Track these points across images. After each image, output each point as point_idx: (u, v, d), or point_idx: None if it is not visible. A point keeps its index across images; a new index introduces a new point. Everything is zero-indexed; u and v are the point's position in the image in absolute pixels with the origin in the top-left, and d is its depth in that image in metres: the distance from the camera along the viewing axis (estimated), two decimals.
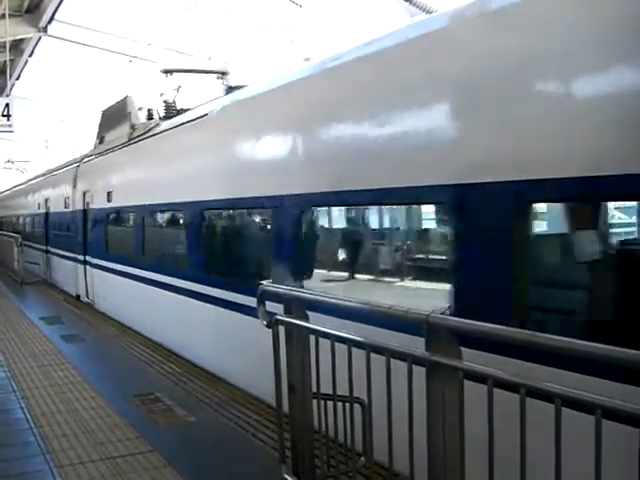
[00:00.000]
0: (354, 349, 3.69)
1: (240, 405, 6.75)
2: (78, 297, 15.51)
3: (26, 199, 23.97)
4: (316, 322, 4.15)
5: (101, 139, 15.37)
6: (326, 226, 6.72)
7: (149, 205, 10.64)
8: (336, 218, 6.68)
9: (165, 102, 12.59)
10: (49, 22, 18.35)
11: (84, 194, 15.07)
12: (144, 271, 10.73)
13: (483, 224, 4.22)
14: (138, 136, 12.12)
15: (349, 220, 6.67)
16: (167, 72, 12.58)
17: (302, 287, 5.82)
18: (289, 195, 6.42)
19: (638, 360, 2.27)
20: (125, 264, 11.82)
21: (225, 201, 7.93)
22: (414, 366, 3.20)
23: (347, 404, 4.00)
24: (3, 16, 16.44)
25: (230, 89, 10.15)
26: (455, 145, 4.49)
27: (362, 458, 4.15)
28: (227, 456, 5.40)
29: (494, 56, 4.29)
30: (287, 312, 4.28)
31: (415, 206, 5.38)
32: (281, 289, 4.46)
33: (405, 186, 4.89)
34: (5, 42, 16.86)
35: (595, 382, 3.09)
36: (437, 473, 3.11)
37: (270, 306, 4.43)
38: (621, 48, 3.49)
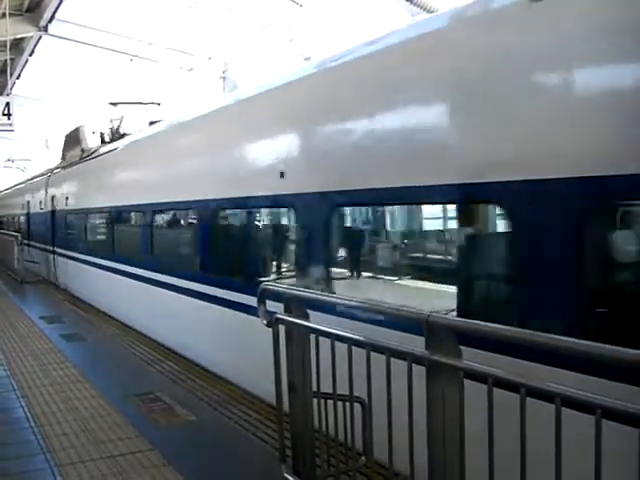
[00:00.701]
0: (354, 348, 3.69)
1: (240, 404, 6.76)
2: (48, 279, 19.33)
3: (13, 201, 27.61)
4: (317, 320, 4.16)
5: (64, 157, 19.45)
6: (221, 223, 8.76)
7: (87, 208, 15.06)
8: (225, 217, 8.80)
9: (110, 129, 16.66)
10: (49, 21, 18.36)
11: (52, 198, 18.79)
12: (88, 256, 14.79)
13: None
14: (85, 157, 16.23)
15: (235, 218, 8.71)
16: (113, 104, 16.81)
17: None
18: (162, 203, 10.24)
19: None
20: (75, 251, 16.01)
21: (127, 206, 12.27)
22: (414, 365, 3.20)
23: (347, 403, 4.00)
24: (4, 15, 16.44)
25: (151, 123, 13.37)
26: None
27: (362, 457, 4.15)
28: (227, 455, 5.40)
29: None
30: (287, 311, 4.28)
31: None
32: (281, 288, 4.47)
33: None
34: (6, 41, 16.87)
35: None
36: (437, 472, 3.11)
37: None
38: None
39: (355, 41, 6.20)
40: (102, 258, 13.51)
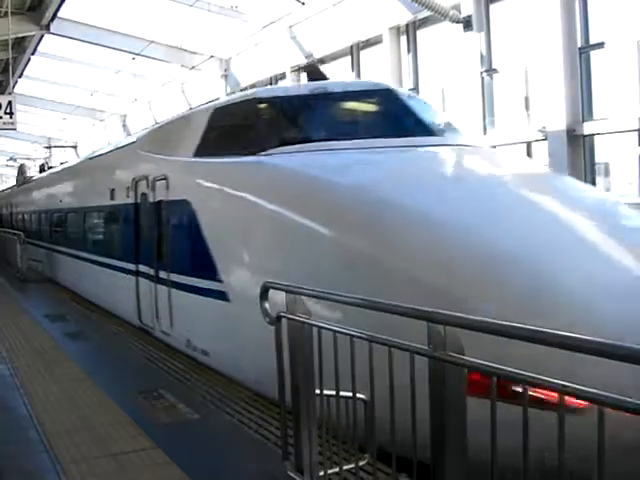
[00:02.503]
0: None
1: (244, 402, 6.75)
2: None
3: None
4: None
5: (17, 180, 29.77)
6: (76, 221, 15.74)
7: (24, 211, 24.25)
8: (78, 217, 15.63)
9: (41, 165, 28.75)
10: (51, 20, 18.35)
11: (10, 205, 28.62)
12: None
13: None
14: (22, 184, 26.58)
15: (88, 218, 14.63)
16: (47, 147, 33.32)
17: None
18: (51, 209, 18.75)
19: None
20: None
21: (43, 210, 20.09)
22: (416, 363, 3.19)
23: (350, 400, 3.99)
24: (6, 14, 16.45)
25: (49, 168, 25.17)
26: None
27: (366, 455, 4.15)
28: (230, 453, 5.40)
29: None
30: (290, 308, 4.28)
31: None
32: (284, 285, 4.46)
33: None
34: (8, 40, 16.88)
35: None
36: (440, 467, 3.11)
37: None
38: None
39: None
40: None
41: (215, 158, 7.94)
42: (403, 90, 9.44)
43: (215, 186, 7.90)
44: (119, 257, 11.14)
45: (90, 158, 16.06)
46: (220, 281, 7.26)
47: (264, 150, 7.18)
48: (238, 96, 9.35)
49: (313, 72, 10.06)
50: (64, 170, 18.98)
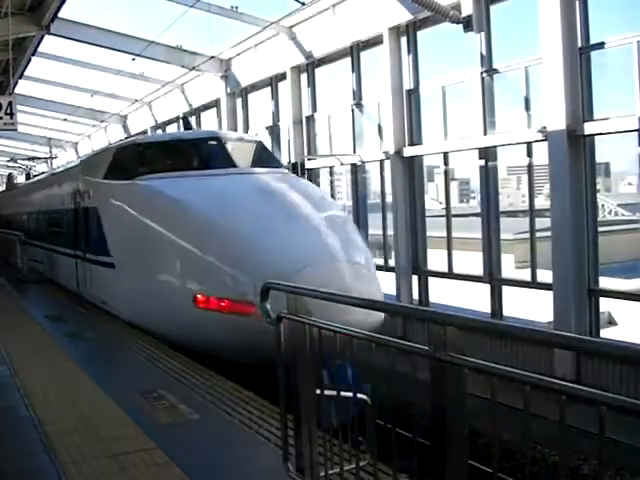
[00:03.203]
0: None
1: (244, 402, 6.75)
2: None
3: None
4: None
5: (6, 186, 34.63)
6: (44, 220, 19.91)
7: (9, 213, 27.85)
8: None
9: (27, 173, 34.43)
10: (52, 20, 18.31)
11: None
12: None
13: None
14: (9, 189, 31.50)
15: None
16: (27, 176, 33.88)
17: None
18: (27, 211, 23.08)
19: None
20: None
21: (22, 212, 24.11)
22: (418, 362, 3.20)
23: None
24: (6, 14, 16.44)
25: (34, 176, 30.20)
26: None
27: (366, 455, 4.15)
28: (231, 453, 5.40)
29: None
30: (290, 308, 4.27)
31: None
32: (285, 286, 4.47)
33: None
34: (8, 40, 16.86)
35: None
36: (441, 466, 3.11)
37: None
38: None
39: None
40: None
41: (112, 180, 12.44)
42: (230, 135, 13.63)
43: (108, 197, 12.40)
44: (66, 246, 15.47)
45: (53, 174, 22.24)
46: (110, 256, 11.78)
47: (137, 176, 11.49)
48: (129, 140, 13.97)
49: (186, 123, 16.49)
50: (37, 181, 24.63)
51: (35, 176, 29.15)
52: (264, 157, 12.55)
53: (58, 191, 17.00)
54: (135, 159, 12.11)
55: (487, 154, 13.36)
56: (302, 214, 9.92)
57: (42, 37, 19.96)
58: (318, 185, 18.45)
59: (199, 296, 9.11)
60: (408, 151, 15.24)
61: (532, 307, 12.68)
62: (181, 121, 21.15)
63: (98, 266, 12.41)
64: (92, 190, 13.31)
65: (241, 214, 9.61)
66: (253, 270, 8.48)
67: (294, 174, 14.60)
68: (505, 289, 13.27)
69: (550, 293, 11.73)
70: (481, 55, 13.45)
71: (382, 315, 7.67)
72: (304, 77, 19.34)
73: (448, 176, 15.36)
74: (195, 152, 11.98)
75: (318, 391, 4.19)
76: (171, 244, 9.98)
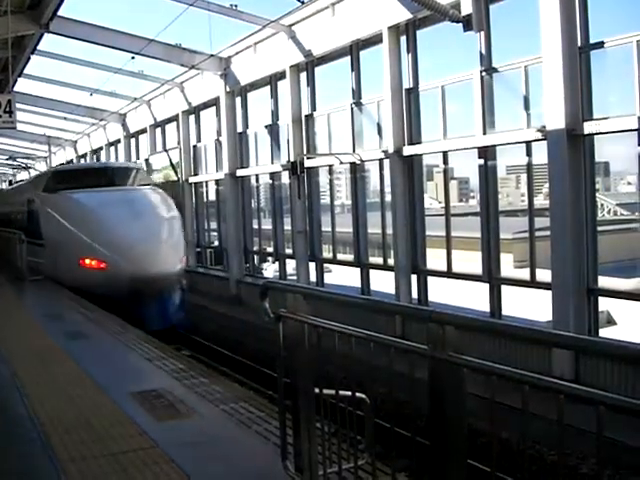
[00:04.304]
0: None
1: (242, 401, 6.75)
2: None
3: None
4: None
5: None
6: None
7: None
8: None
9: (9, 180, 43.49)
10: (51, 19, 18.28)
11: None
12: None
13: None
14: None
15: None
16: (10, 182, 41.05)
17: None
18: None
19: None
20: None
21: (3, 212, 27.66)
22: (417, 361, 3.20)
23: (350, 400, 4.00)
24: (5, 12, 16.42)
25: (10, 183, 39.96)
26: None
27: (365, 454, 4.15)
28: (229, 452, 5.40)
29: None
30: (290, 307, 4.27)
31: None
32: (285, 284, 4.47)
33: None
34: (7, 38, 16.85)
35: None
36: (440, 466, 3.11)
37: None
38: None
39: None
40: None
41: (45, 193, 19.35)
42: (117, 164, 23.90)
43: (41, 204, 19.30)
44: (25, 234, 19.23)
45: (19, 185, 29.97)
46: (42, 239, 18.59)
47: (57, 191, 18.48)
48: (55, 167, 25.66)
49: (97, 157, 31.31)
50: (11, 188, 32.38)
51: (16, 182, 36.40)
52: (138, 178, 20.37)
53: (19, 198, 23.58)
54: (58, 180, 19.43)
55: (486, 153, 13.36)
56: (147, 214, 17.33)
57: (41, 35, 19.93)
58: (317, 183, 19.46)
59: (81, 260, 16.05)
60: (407, 150, 15.22)
61: (531, 306, 12.69)
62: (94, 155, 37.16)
63: (35, 246, 18.66)
64: (36, 198, 20.10)
65: (112, 213, 16.68)
66: (109, 245, 15.78)
67: (160, 189, 20.80)
68: (504, 288, 13.27)
69: (549, 292, 11.74)
70: (480, 54, 13.45)
71: (179, 266, 16.71)
72: (303, 76, 19.32)
73: (447, 175, 15.36)
74: (92, 176, 19.27)
75: (317, 390, 4.19)
76: (71, 230, 16.99)
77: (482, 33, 13.08)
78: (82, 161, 39.75)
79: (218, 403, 6.72)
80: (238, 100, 22.92)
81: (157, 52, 21.38)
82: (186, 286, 17.69)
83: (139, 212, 16.92)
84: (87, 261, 15.89)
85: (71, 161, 40.82)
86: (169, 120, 28.49)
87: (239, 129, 22.85)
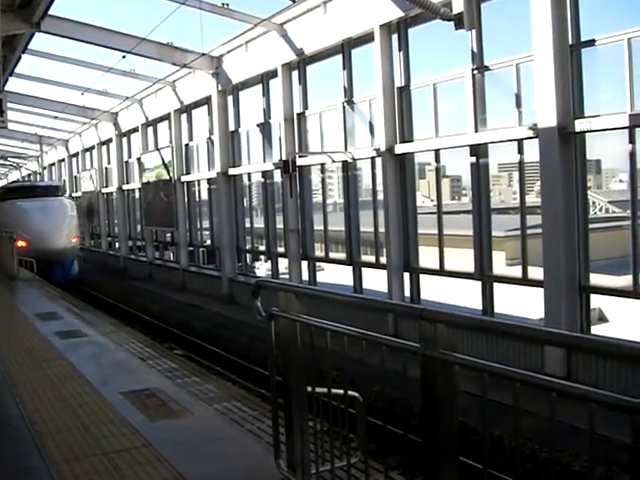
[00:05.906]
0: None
1: (235, 400, 6.76)
2: None
3: None
4: None
5: None
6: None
7: None
8: None
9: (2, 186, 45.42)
10: (42, 18, 18.21)
11: None
12: None
13: None
14: None
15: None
16: (4, 158, 45.77)
17: None
18: None
19: None
20: None
21: None
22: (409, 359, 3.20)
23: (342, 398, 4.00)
24: None
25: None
26: None
27: (358, 452, 4.15)
28: (222, 451, 5.40)
29: None
30: (282, 306, 4.27)
31: None
32: (277, 283, 4.46)
33: None
34: None
35: None
36: (432, 464, 3.12)
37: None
38: None
39: None
40: None
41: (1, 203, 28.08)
42: (42, 183, 34.38)
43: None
44: None
45: None
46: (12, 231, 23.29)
47: (6, 200, 28.05)
48: (6, 185, 40.07)
49: (35, 178, 43.72)
50: None
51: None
52: (54, 192, 29.63)
53: None
54: (8, 192, 29.47)
55: (478, 151, 13.39)
56: (53, 214, 27.25)
57: (32, 34, 19.84)
58: (309, 182, 19.69)
59: (16, 240, 19.90)
60: (399, 148, 15.23)
61: (523, 304, 12.72)
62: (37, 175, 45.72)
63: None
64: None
65: (34, 214, 26.40)
66: (29, 232, 24.73)
67: (69, 199, 32.49)
68: (496, 286, 13.30)
69: (541, 290, 11.77)
70: (472, 52, 13.47)
71: (71, 244, 27.73)
72: (295, 74, 19.31)
73: (439, 173, 15.40)
74: (28, 191, 29.23)
75: (309, 388, 4.19)
76: (12, 223, 24.16)
77: (473, 31, 13.10)
78: (73, 160, 42.21)
79: (211, 402, 6.72)
80: (230, 99, 22.90)
81: (149, 51, 21.34)
82: (81, 257, 30.74)
83: (49, 213, 27.14)
84: (19, 243, 21.53)
85: (28, 176, 51.33)
86: (161, 119, 28.46)
87: (231, 128, 22.83)
